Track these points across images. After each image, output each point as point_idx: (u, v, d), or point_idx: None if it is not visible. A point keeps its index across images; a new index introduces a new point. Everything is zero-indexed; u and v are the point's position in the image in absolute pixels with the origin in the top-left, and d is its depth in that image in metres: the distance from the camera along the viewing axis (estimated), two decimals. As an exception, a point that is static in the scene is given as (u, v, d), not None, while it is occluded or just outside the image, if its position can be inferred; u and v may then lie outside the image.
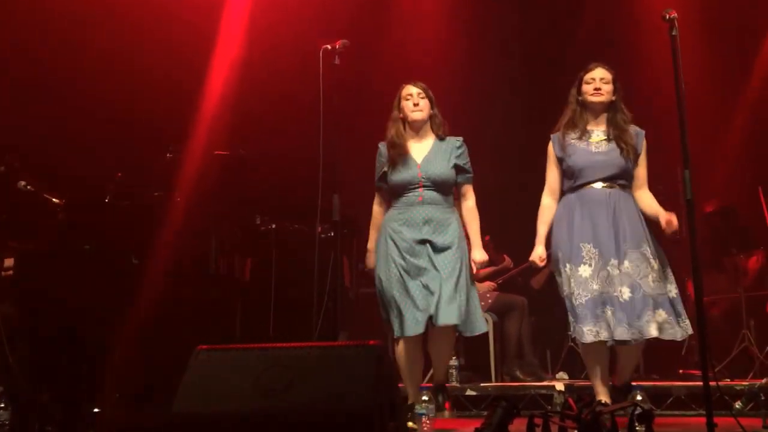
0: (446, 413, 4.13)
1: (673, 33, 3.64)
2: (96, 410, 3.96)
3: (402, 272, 4.05)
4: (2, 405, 3.77)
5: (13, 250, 4.21)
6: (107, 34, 6.46)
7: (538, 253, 4.21)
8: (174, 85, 6.49)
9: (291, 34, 6.76)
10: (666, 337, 3.93)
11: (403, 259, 4.06)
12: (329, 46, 4.12)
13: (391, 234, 4.14)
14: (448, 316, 3.96)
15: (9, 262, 4.18)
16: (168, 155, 5.07)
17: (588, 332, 3.91)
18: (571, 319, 4.04)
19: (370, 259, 4.28)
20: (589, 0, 7.25)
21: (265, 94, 6.88)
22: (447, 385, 4.40)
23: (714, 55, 6.69)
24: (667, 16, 3.67)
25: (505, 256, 6.39)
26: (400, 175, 4.18)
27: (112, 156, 5.86)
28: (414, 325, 3.96)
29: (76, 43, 6.41)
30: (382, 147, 4.30)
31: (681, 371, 5.72)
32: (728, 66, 6.96)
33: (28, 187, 4.40)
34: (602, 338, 3.89)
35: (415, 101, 4.22)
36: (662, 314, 3.93)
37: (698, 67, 6.11)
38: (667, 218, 4.00)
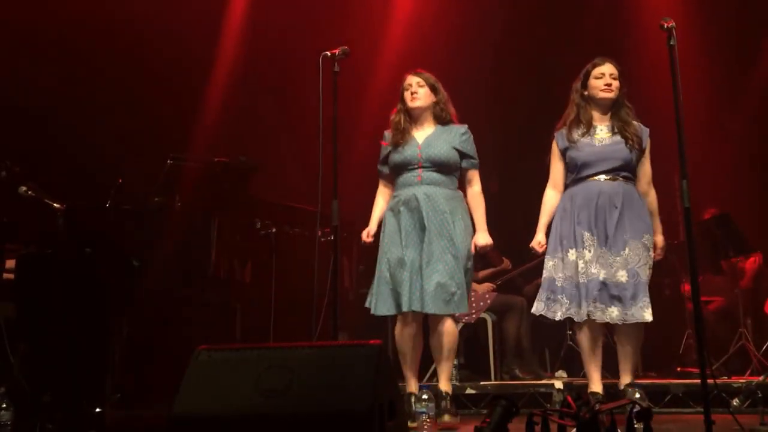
0: (446, 417, 4.07)
1: (671, 43, 3.53)
2: (97, 410, 3.97)
3: (396, 264, 4.12)
4: (4, 405, 3.79)
5: (14, 252, 4.23)
6: (108, 41, 6.50)
7: (538, 240, 4.29)
8: (175, 91, 6.52)
9: (291, 41, 6.79)
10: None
11: (400, 248, 4.11)
12: (329, 53, 4.13)
13: (391, 221, 4.20)
14: (436, 306, 4.02)
15: (10, 264, 4.20)
16: (169, 161, 5.10)
17: (566, 310, 4.06)
18: (541, 298, 4.17)
19: (371, 231, 4.34)
20: (588, 5, 7.26)
21: (266, 101, 6.92)
22: (449, 391, 4.18)
23: (712, 61, 6.70)
24: (665, 26, 3.55)
25: (503, 258, 6.41)
26: (400, 155, 4.22)
27: (114, 161, 5.90)
28: (389, 306, 4.12)
29: (77, 49, 6.45)
30: (387, 133, 4.36)
31: (679, 369, 5.74)
32: (727, 72, 6.97)
33: (29, 192, 4.41)
34: (570, 314, 4.04)
35: (413, 90, 4.27)
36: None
37: (696, 74, 6.11)
38: (660, 247, 4.20)
